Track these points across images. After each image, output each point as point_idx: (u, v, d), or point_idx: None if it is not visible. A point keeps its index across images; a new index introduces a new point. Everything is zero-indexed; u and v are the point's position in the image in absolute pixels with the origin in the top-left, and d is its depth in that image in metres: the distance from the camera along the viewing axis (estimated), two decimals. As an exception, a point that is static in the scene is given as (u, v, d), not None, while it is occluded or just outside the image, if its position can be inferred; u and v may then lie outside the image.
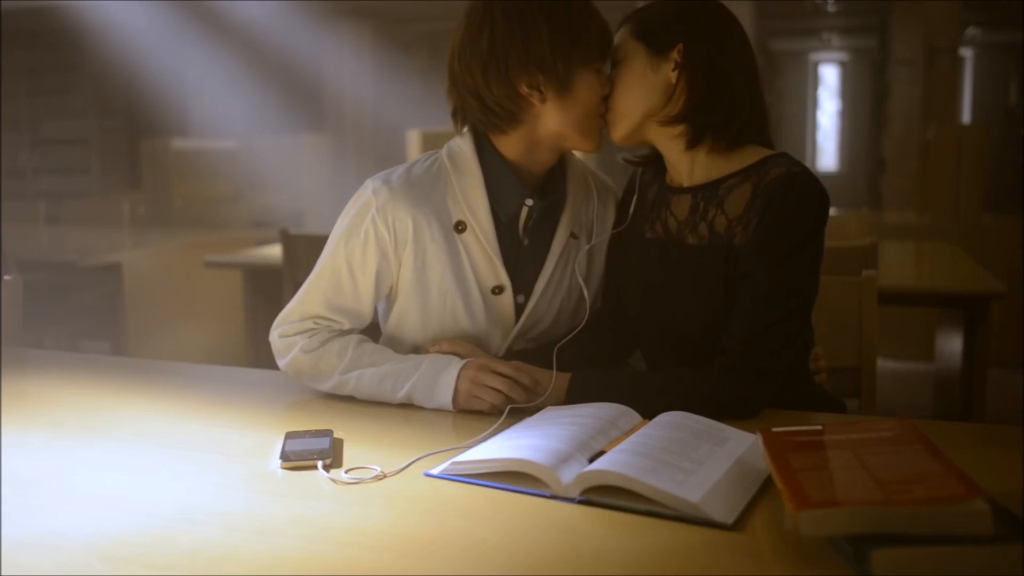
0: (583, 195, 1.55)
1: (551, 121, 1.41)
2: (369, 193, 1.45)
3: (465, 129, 1.49)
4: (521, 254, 1.49)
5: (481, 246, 1.45)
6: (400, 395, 1.37)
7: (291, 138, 7.11)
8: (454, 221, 1.45)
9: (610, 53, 1.42)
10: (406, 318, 1.48)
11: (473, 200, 1.45)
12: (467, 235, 1.45)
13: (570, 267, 1.53)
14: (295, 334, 1.46)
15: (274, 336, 1.48)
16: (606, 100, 1.42)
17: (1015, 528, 0.83)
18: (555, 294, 1.52)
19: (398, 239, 1.44)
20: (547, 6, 1.37)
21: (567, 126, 1.41)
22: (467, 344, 1.44)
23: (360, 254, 1.45)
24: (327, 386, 1.43)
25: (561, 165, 1.53)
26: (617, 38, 1.42)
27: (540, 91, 1.38)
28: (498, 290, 1.47)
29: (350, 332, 1.48)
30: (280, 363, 1.48)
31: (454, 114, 1.48)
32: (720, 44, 1.37)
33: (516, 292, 1.49)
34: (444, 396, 1.34)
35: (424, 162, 1.50)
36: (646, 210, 1.49)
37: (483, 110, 1.41)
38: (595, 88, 1.40)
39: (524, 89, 1.38)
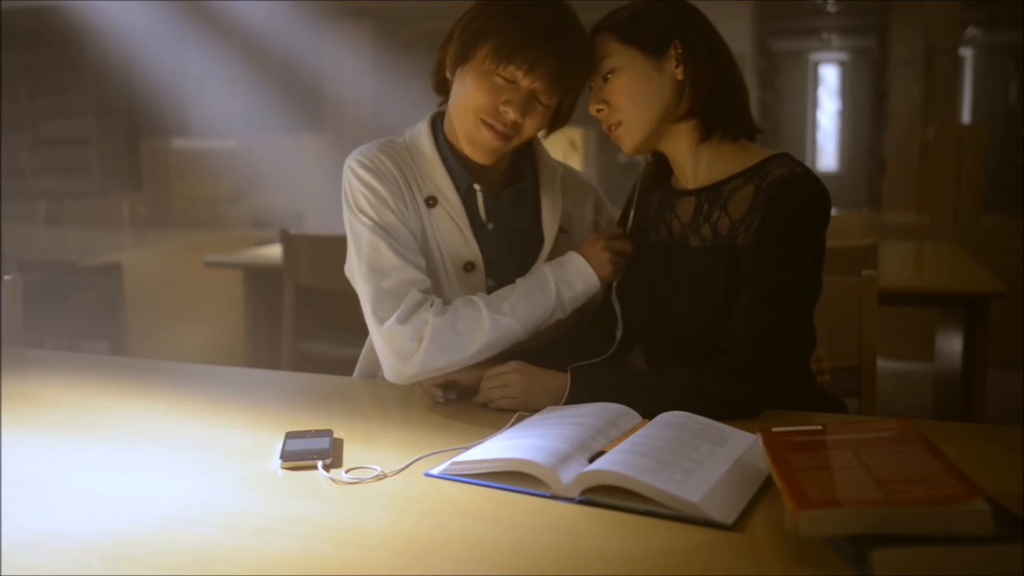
0: (562, 192, 1.56)
1: (453, 100, 1.44)
2: (349, 165, 1.46)
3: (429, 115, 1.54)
4: (487, 237, 1.49)
5: (452, 220, 1.47)
6: (553, 298, 1.41)
7: (291, 138, 7.11)
8: (425, 196, 1.47)
9: (523, 73, 1.36)
10: None
11: (436, 177, 1.48)
12: (438, 210, 1.47)
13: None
14: (402, 310, 1.35)
15: (386, 330, 1.34)
16: (507, 121, 1.39)
17: (1015, 528, 0.82)
18: None
19: (390, 179, 1.45)
20: (511, 7, 1.37)
21: (454, 116, 1.44)
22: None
23: (378, 203, 1.42)
24: (480, 336, 1.34)
25: (532, 161, 1.55)
26: (601, 49, 1.38)
27: (444, 63, 1.44)
28: (470, 267, 1.47)
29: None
30: (406, 361, 1.33)
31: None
32: (708, 32, 1.37)
33: (488, 275, 1.49)
34: (589, 277, 1.44)
35: (392, 139, 1.53)
36: (650, 214, 1.49)
37: (434, 73, 1.50)
38: (474, 91, 1.38)
39: (441, 54, 1.45)
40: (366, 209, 1.41)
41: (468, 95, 1.39)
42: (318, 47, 7.44)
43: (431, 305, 1.36)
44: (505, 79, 1.37)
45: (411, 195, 1.46)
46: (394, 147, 1.50)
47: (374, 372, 1.58)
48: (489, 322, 1.36)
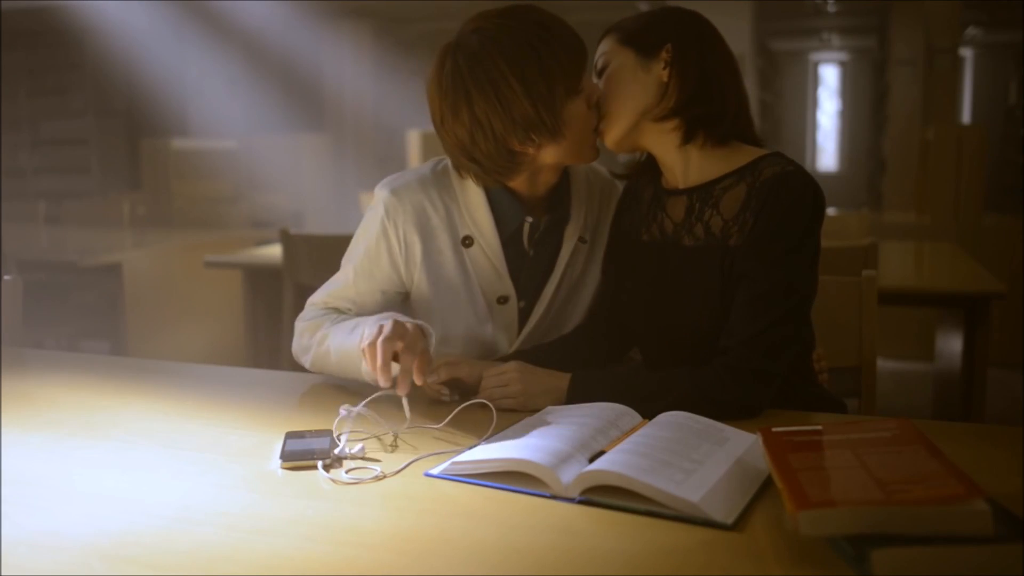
0: (587, 198, 1.56)
1: (550, 157, 1.42)
2: (381, 208, 1.49)
3: None
4: (526, 264, 1.51)
5: (488, 260, 1.48)
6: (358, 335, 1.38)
7: (291, 138, 7.11)
8: (462, 235, 1.48)
9: (588, 65, 1.41)
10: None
11: (478, 217, 1.48)
12: (474, 249, 1.49)
13: (578, 272, 1.55)
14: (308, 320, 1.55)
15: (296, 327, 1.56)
16: (596, 107, 1.41)
17: (1015, 528, 0.82)
18: (565, 300, 1.54)
19: (410, 253, 1.49)
20: (514, 59, 1.33)
21: (566, 156, 1.43)
22: (465, 364, 1.41)
23: (368, 263, 1.51)
24: (309, 354, 1.51)
25: (564, 174, 1.54)
26: (603, 47, 1.43)
27: (533, 140, 1.38)
28: (503, 300, 1.50)
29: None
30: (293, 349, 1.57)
31: (456, 168, 1.48)
32: (705, 42, 1.39)
33: (519, 298, 1.51)
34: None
35: (433, 171, 1.52)
36: (642, 214, 1.49)
37: (482, 170, 1.42)
38: (583, 111, 1.39)
39: (516, 146, 1.38)
40: (358, 248, 1.52)
41: (582, 125, 1.40)
42: (318, 47, 7.44)
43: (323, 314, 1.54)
44: (579, 90, 1.39)
45: (431, 247, 1.48)
46: (434, 180, 1.50)
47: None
48: (315, 347, 1.49)
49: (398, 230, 1.48)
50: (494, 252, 1.48)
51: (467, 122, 1.37)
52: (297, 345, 1.54)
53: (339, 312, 1.54)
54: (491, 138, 1.37)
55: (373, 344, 1.26)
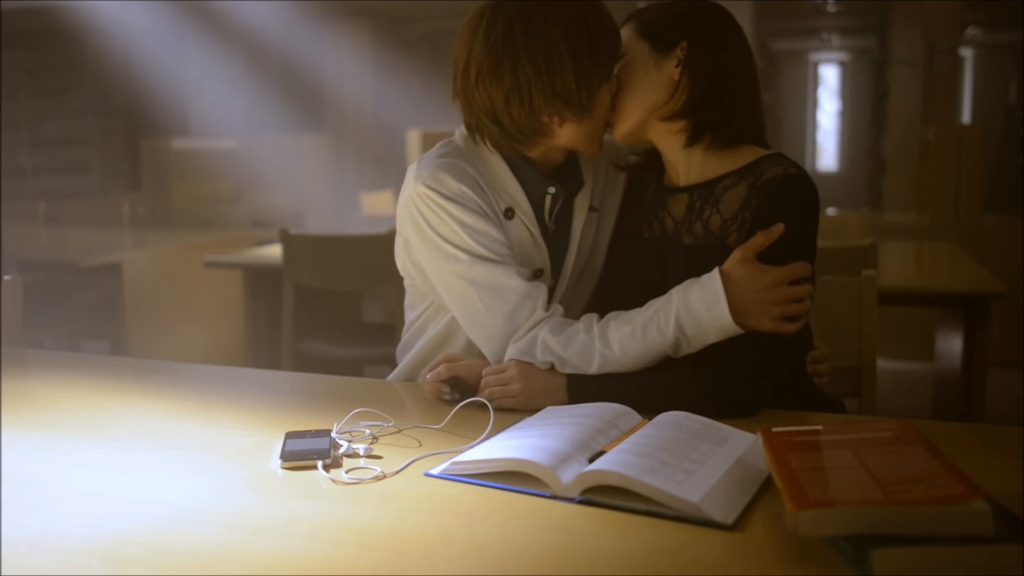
0: (594, 165, 1.55)
1: (565, 138, 1.41)
2: (423, 194, 1.40)
3: None
4: (550, 240, 1.49)
5: (527, 230, 1.46)
6: (671, 335, 1.27)
7: (291, 138, 7.11)
8: (503, 208, 1.45)
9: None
10: None
11: (510, 188, 1.46)
12: (515, 221, 1.46)
13: (589, 243, 1.53)
14: (520, 332, 1.36)
15: (508, 351, 1.37)
16: (614, 100, 1.41)
17: (1015, 528, 0.83)
18: (580, 274, 1.53)
19: (471, 203, 1.40)
20: (569, 32, 1.33)
21: (579, 140, 1.42)
22: (466, 362, 1.40)
23: (471, 233, 1.39)
24: (586, 371, 1.32)
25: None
26: (622, 36, 1.42)
27: (562, 115, 1.37)
28: (539, 273, 1.48)
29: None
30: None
31: (469, 129, 1.45)
32: (722, 44, 1.38)
33: (551, 276, 1.49)
34: (716, 308, 1.25)
35: (452, 146, 1.47)
36: (643, 210, 1.49)
37: (503, 135, 1.40)
38: (607, 99, 1.39)
39: (546, 118, 1.37)
40: (464, 243, 1.38)
41: (603, 112, 1.39)
42: (318, 47, 7.45)
43: (546, 323, 1.35)
44: (612, 76, 1.38)
45: (491, 208, 1.43)
46: (457, 163, 1.43)
47: (413, 376, 1.58)
48: (598, 360, 1.31)
49: (463, 200, 1.39)
50: (531, 221, 1.46)
51: (506, 85, 1.34)
52: (554, 350, 1.33)
53: (538, 306, 1.38)
54: (526, 105, 1.35)
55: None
